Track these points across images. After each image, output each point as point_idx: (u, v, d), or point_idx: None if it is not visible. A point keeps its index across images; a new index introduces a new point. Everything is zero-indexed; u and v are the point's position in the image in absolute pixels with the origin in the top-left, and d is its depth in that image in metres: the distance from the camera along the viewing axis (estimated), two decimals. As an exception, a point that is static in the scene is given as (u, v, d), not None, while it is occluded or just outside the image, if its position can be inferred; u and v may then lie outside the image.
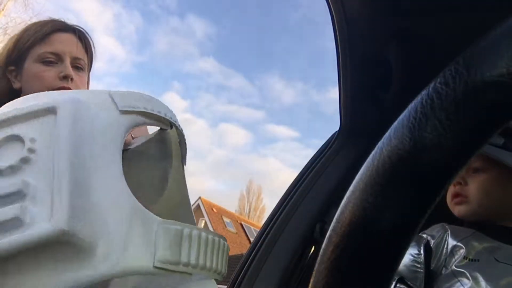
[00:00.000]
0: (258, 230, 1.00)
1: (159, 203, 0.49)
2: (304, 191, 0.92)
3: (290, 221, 0.88)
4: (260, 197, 23.35)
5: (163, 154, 0.51)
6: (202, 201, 15.54)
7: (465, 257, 0.62)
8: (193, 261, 0.33)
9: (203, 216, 14.97)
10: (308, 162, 0.99)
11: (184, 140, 0.48)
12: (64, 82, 0.68)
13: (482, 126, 0.14)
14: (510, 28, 0.13)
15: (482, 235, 0.65)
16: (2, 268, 0.28)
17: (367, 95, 0.88)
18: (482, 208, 0.66)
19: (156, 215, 0.34)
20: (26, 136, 0.32)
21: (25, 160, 0.31)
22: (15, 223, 0.28)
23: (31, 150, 0.32)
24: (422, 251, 0.66)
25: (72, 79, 0.68)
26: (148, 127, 0.54)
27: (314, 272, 0.17)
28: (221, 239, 0.38)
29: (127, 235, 0.31)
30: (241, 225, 16.69)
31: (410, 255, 0.66)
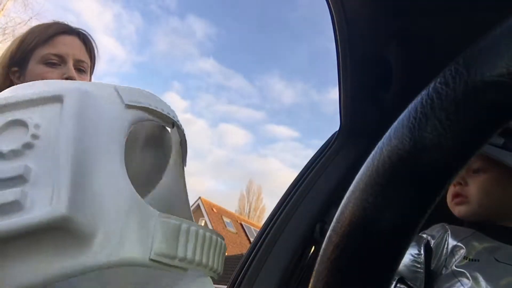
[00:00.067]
0: (258, 230, 1.00)
1: (157, 202, 0.50)
2: (304, 191, 0.92)
3: (290, 221, 0.88)
4: (260, 197, 23.37)
5: (162, 151, 0.51)
6: (202, 201, 15.54)
7: (465, 257, 0.62)
8: (189, 256, 0.33)
9: (203, 216, 14.97)
10: (308, 162, 0.99)
11: (185, 140, 0.49)
12: None
13: (482, 126, 0.14)
14: (510, 28, 0.13)
15: (482, 235, 0.65)
16: (2, 251, 0.29)
17: (367, 95, 0.88)
18: (482, 208, 0.66)
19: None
20: (31, 121, 0.32)
21: (28, 146, 0.31)
22: (14, 206, 0.28)
23: (34, 136, 0.32)
24: (422, 251, 0.66)
25: None
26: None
27: (314, 272, 0.17)
28: (218, 237, 0.38)
29: (125, 226, 0.31)
30: (241, 225, 16.69)
31: (410, 255, 0.66)
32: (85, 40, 0.73)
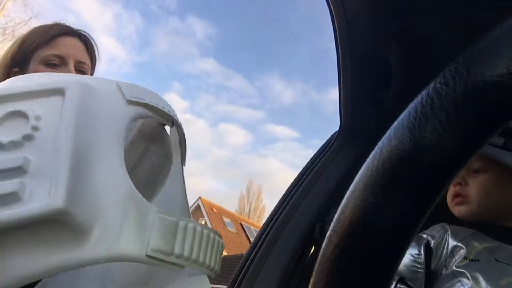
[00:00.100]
0: (258, 230, 1.00)
1: (155, 200, 0.50)
2: (304, 191, 0.92)
3: (290, 221, 0.88)
4: (260, 197, 23.37)
5: (163, 151, 0.51)
6: (202, 201, 15.54)
7: (465, 257, 0.62)
8: (186, 253, 0.33)
9: (203, 216, 14.97)
10: (308, 162, 0.99)
11: (184, 139, 0.49)
12: None
13: (482, 126, 0.14)
14: (510, 28, 0.13)
15: (482, 235, 0.65)
16: (2, 241, 0.29)
17: (367, 95, 0.88)
18: (482, 208, 0.66)
19: None
20: (32, 113, 0.32)
21: (28, 137, 0.31)
22: (13, 198, 0.28)
23: (35, 128, 0.32)
24: (422, 251, 0.66)
25: None
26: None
27: (314, 272, 0.17)
28: (216, 236, 0.38)
29: (122, 221, 0.31)
30: (241, 225, 16.69)
31: (410, 255, 0.66)
32: (86, 42, 0.74)
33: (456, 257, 0.63)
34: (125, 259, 0.31)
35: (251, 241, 0.97)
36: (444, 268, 0.64)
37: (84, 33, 0.74)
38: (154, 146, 0.51)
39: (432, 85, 0.15)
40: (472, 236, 0.65)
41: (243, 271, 0.84)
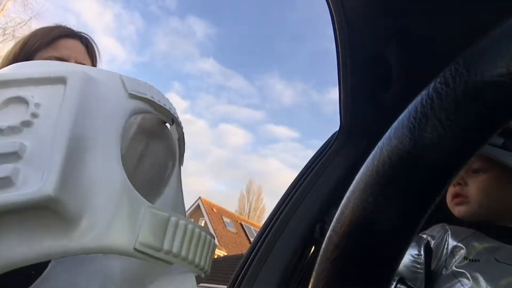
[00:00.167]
0: (258, 230, 1.00)
1: (159, 200, 0.50)
2: (304, 191, 0.92)
3: (290, 221, 0.88)
4: (260, 197, 23.36)
5: (167, 150, 0.51)
6: (202, 201, 15.54)
7: (465, 258, 0.62)
8: (175, 250, 0.33)
9: (203, 216, 14.97)
10: (308, 162, 0.99)
11: (183, 138, 0.48)
12: None
13: (482, 126, 0.14)
14: (510, 28, 0.13)
15: (482, 235, 0.65)
16: None
17: (367, 95, 0.88)
18: (482, 208, 0.66)
19: None
20: (32, 100, 0.32)
21: (26, 123, 0.31)
22: (5, 182, 0.28)
23: (34, 115, 0.32)
24: (422, 252, 0.66)
25: None
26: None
27: (314, 272, 0.17)
28: (208, 235, 0.37)
29: (113, 213, 0.31)
30: (241, 225, 16.69)
31: (410, 256, 0.66)
32: (87, 44, 0.74)
33: (456, 257, 0.63)
34: (112, 251, 0.31)
35: (251, 241, 0.97)
36: (444, 268, 0.64)
37: (85, 36, 0.75)
38: (155, 143, 0.51)
39: (432, 85, 0.15)
40: (472, 236, 0.65)
41: (243, 271, 0.84)
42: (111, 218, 0.31)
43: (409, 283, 0.63)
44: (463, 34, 0.62)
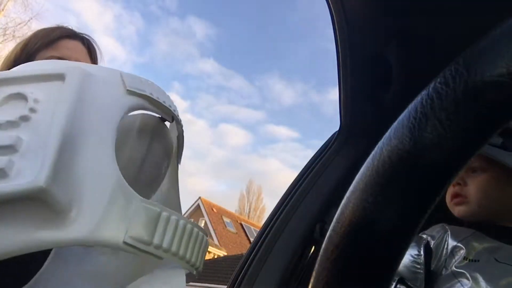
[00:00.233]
0: (258, 230, 1.00)
1: (154, 197, 0.50)
2: (304, 191, 0.92)
3: (290, 221, 0.88)
4: (260, 197, 23.36)
5: (164, 147, 0.51)
6: (202, 201, 15.54)
7: (465, 258, 0.62)
8: (165, 245, 0.33)
9: (203, 216, 14.96)
10: (308, 162, 0.99)
11: (183, 136, 0.48)
12: None
13: (482, 126, 0.14)
14: (510, 28, 0.13)
15: (482, 235, 0.65)
16: None
17: (367, 95, 0.88)
18: (482, 208, 0.66)
19: None
20: (31, 96, 0.33)
21: (24, 118, 0.32)
22: (0, 174, 0.29)
23: (32, 110, 0.33)
24: (422, 252, 0.66)
25: None
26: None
27: (314, 272, 0.17)
28: (200, 231, 0.37)
29: (104, 206, 0.31)
30: (241, 225, 16.69)
31: (410, 256, 0.66)
32: (89, 45, 0.74)
33: (456, 257, 0.63)
34: (102, 243, 0.31)
35: (251, 241, 0.97)
36: (444, 269, 0.64)
37: (86, 37, 0.75)
38: (156, 142, 0.51)
39: (432, 85, 0.15)
40: (472, 236, 0.65)
41: (243, 271, 0.84)
42: (102, 211, 0.31)
43: (409, 283, 0.63)
44: (463, 34, 0.62)
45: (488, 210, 0.66)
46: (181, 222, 0.35)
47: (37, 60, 0.69)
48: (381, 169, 0.15)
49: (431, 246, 0.67)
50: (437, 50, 0.73)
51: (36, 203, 0.29)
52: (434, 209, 0.15)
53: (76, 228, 0.30)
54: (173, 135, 0.50)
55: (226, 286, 0.86)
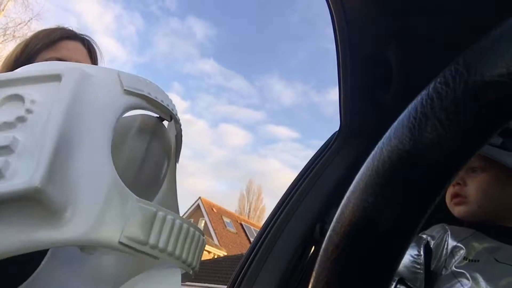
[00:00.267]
0: (258, 230, 1.00)
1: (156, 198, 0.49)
2: (304, 191, 0.92)
3: (290, 221, 0.88)
4: (260, 197, 23.36)
5: (163, 147, 0.51)
6: (202, 201, 15.53)
7: (465, 258, 0.62)
8: (161, 244, 0.33)
9: (203, 216, 14.96)
10: (308, 162, 0.99)
11: (181, 135, 0.48)
12: None
13: (482, 126, 0.14)
14: (510, 28, 0.13)
15: (482, 235, 0.65)
16: None
17: (367, 95, 0.88)
18: (482, 208, 0.66)
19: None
20: (28, 97, 0.33)
21: (21, 119, 0.32)
22: None
23: (29, 111, 0.33)
24: (422, 252, 0.66)
25: None
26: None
27: (314, 272, 0.17)
28: (197, 231, 0.37)
29: (100, 206, 0.31)
30: (241, 225, 16.68)
31: (410, 256, 0.66)
32: (89, 46, 0.74)
33: (456, 257, 0.63)
34: (97, 244, 0.31)
35: (251, 241, 0.97)
36: (444, 269, 0.64)
37: (87, 38, 0.75)
38: (155, 142, 0.51)
39: (432, 85, 0.15)
40: (472, 236, 0.65)
41: (243, 271, 0.84)
42: (97, 211, 0.31)
43: (408, 283, 0.63)
44: (463, 34, 0.62)
45: (487, 210, 0.66)
46: (177, 221, 0.34)
47: (38, 61, 0.69)
48: (381, 169, 0.15)
49: (431, 246, 0.67)
50: (437, 50, 0.73)
51: (31, 203, 0.29)
52: (434, 209, 0.15)
53: (71, 228, 0.30)
54: (172, 134, 0.50)
55: (226, 286, 0.86)
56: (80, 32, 0.74)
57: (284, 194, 0.95)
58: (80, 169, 0.32)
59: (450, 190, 0.70)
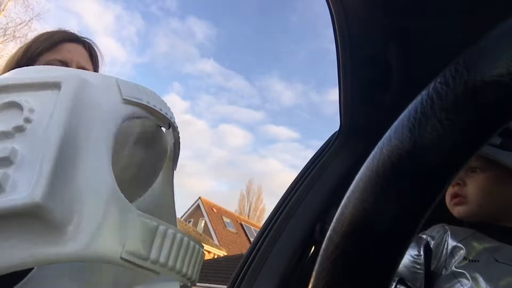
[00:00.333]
0: (258, 230, 1.00)
1: (144, 201, 0.49)
2: (304, 191, 0.92)
3: (290, 221, 0.88)
4: (260, 197, 23.36)
5: (157, 152, 0.50)
6: (202, 201, 15.53)
7: (465, 258, 0.62)
8: (162, 259, 0.33)
9: (203, 216, 14.96)
10: (308, 162, 0.99)
11: (179, 142, 0.48)
12: None
13: (482, 126, 0.14)
14: (510, 28, 0.13)
15: (482, 235, 0.65)
16: None
17: (367, 95, 0.88)
18: (481, 208, 0.66)
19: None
20: (26, 105, 0.32)
21: (19, 129, 0.31)
22: None
23: (27, 120, 0.32)
24: (422, 252, 0.66)
25: None
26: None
27: (314, 272, 0.17)
28: (196, 244, 0.37)
29: (101, 221, 0.31)
30: (241, 225, 16.68)
31: (410, 256, 0.66)
32: (90, 49, 0.74)
33: (456, 257, 0.63)
34: (99, 259, 0.31)
35: (251, 241, 0.97)
36: (443, 269, 0.64)
37: (88, 40, 0.75)
38: (152, 149, 0.51)
39: (432, 85, 0.15)
40: (472, 236, 0.65)
41: (243, 271, 0.84)
42: (98, 226, 0.31)
43: (408, 284, 0.63)
44: (463, 34, 0.62)
45: (487, 210, 0.66)
46: (178, 235, 0.34)
47: (39, 63, 0.69)
48: (381, 169, 0.15)
49: (431, 246, 0.67)
50: (437, 50, 0.73)
51: (31, 218, 0.28)
52: (434, 209, 0.15)
53: (72, 244, 0.29)
54: (170, 142, 0.50)
55: (226, 286, 0.86)
56: (82, 35, 0.75)
57: (284, 194, 0.95)
58: (80, 182, 0.31)
59: (450, 190, 0.70)
